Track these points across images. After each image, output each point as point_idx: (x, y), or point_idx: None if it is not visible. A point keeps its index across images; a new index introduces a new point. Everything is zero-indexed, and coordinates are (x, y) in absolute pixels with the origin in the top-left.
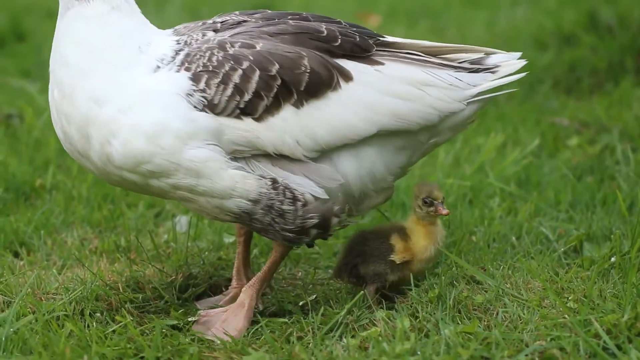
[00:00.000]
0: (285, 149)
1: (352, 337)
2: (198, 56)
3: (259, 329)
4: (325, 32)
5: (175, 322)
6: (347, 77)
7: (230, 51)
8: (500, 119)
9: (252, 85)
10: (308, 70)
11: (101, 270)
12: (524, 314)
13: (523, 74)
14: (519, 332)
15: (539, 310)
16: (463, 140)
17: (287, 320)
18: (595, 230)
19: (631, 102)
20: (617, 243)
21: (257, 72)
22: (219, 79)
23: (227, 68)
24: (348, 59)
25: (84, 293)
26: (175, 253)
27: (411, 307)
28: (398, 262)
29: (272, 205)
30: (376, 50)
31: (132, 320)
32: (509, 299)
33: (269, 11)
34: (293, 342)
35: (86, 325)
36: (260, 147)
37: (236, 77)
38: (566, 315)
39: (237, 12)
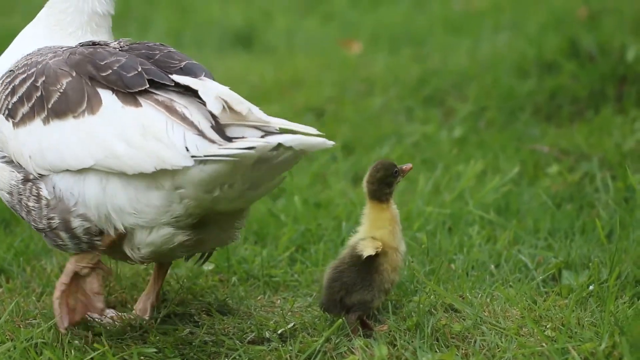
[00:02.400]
0: (22, 161)
1: None
2: (21, 61)
3: (237, 357)
4: (108, 60)
5: (153, 349)
6: (95, 108)
7: (35, 58)
8: (480, 146)
9: (22, 90)
10: (61, 90)
11: None
12: (502, 342)
13: (249, 152)
14: None
15: (516, 339)
16: (443, 167)
17: (265, 347)
18: (574, 258)
19: (611, 129)
20: (595, 271)
21: (30, 80)
22: (9, 80)
23: (20, 71)
24: (115, 92)
25: None
26: None
27: (389, 335)
28: (373, 254)
29: (21, 200)
30: (149, 89)
31: (110, 347)
32: (487, 327)
33: (151, 44)
34: None
35: (64, 353)
36: (8, 154)
37: (17, 80)
38: (544, 344)
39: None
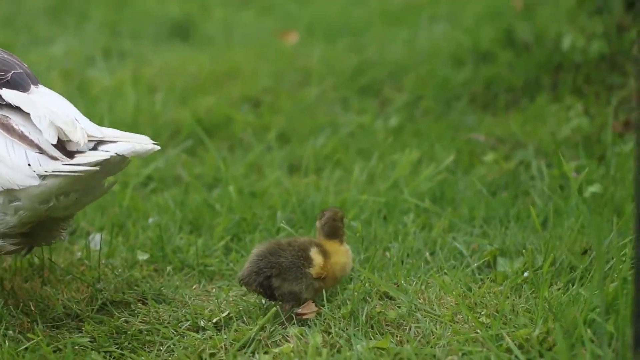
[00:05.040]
0: None
1: (265, 353)
2: None
3: (172, 346)
4: None
5: (87, 339)
6: None
7: None
8: (416, 134)
9: None
10: None
11: (14, 289)
12: (436, 329)
13: (93, 168)
14: (432, 347)
15: (451, 325)
16: (378, 156)
17: (199, 336)
18: (509, 246)
19: (546, 118)
20: (530, 258)
21: None
22: None
23: None
24: None
25: None
26: (88, 270)
27: (324, 323)
28: (314, 276)
29: None
30: None
31: (44, 338)
32: (422, 314)
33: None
34: (206, 359)
35: None
36: None
37: None
38: (478, 330)
39: None
